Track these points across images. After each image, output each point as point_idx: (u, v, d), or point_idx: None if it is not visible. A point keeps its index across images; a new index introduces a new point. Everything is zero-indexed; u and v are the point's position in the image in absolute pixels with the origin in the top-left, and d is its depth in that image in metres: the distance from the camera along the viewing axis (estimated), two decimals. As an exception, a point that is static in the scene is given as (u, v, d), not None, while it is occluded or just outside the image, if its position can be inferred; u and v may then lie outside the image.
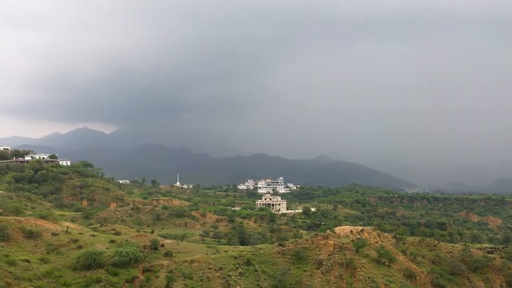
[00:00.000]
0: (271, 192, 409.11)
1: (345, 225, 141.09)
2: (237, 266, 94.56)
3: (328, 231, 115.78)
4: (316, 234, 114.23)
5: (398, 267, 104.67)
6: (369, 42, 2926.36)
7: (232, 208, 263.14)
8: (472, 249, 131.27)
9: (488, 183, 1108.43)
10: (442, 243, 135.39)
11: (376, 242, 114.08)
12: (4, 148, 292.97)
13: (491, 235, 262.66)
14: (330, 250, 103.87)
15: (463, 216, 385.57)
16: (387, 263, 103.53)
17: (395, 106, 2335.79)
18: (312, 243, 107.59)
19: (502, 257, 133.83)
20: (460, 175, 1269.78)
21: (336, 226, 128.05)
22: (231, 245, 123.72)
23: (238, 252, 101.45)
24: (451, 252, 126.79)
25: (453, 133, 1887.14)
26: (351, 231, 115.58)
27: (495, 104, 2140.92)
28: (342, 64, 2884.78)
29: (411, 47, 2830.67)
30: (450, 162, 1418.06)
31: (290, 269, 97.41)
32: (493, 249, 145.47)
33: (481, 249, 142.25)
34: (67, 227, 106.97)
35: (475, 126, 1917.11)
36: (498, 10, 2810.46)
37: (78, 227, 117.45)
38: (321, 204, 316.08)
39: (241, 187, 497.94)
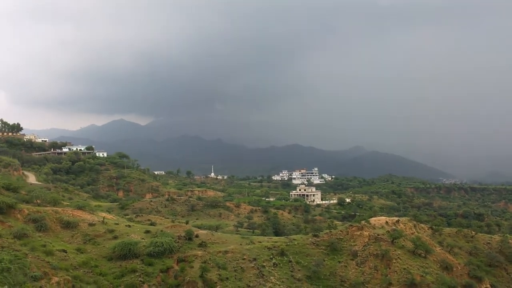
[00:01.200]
0: (306, 182, 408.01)
1: (381, 216, 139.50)
2: (271, 256, 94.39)
3: (363, 222, 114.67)
4: (351, 225, 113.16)
5: (435, 259, 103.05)
6: (403, 30, 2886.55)
7: (267, 199, 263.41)
8: (510, 240, 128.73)
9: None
10: (480, 234, 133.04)
11: (412, 233, 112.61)
12: (42, 140, 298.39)
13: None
14: (365, 241, 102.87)
15: (501, 207, 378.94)
16: (423, 255, 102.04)
17: (429, 95, 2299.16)
18: (347, 234, 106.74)
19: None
20: (499, 165, 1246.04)
21: (371, 217, 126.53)
22: (265, 235, 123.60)
23: (272, 243, 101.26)
24: (489, 243, 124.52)
25: (491, 120, 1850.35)
26: (387, 222, 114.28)
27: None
28: (376, 53, 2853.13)
29: (446, 35, 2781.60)
30: (489, 151, 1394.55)
31: (324, 260, 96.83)
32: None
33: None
34: (103, 217, 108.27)
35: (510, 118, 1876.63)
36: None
37: (114, 218, 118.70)
38: (356, 195, 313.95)
39: (276, 177, 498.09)
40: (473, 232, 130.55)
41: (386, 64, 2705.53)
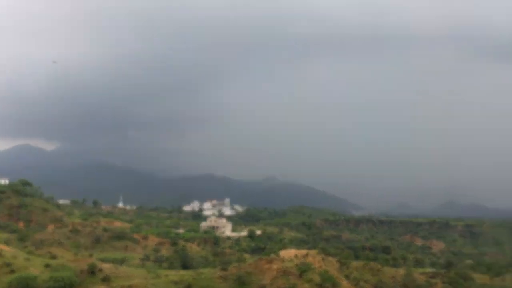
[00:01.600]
0: (217, 214, 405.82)
1: (290, 248, 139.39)
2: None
3: (272, 255, 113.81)
4: (260, 258, 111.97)
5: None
6: (322, 60, 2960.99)
7: (176, 231, 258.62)
8: (414, 274, 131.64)
9: (434, 206, 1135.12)
10: (386, 267, 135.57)
11: (320, 266, 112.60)
12: None
13: (434, 259, 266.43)
14: (274, 274, 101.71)
15: (407, 240, 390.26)
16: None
17: (345, 125, 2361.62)
18: (256, 268, 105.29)
19: (443, 282, 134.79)
20: (407, 197, 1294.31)
21: (281, 250, 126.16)
22: (172, 269, 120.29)
23: (179, 277, 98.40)
24: (394, 277, 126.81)
25: (402, 152, 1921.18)
26: (296, 255, 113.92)
27: (442, 126, 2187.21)
28: (294, 83, 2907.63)
29: (364, 65, 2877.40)
30: (397, 184, 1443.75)
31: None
32: (435, 274, 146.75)
33: (423, 273, 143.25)
34: (0, 249, 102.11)
35: (421, 149, 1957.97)
36: (457, 29, 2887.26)
37: (12, 250, 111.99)
38: (266, 227, 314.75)
39: (187, 208, 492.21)
40: (379, 266, 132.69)
41: (303, 93, 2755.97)
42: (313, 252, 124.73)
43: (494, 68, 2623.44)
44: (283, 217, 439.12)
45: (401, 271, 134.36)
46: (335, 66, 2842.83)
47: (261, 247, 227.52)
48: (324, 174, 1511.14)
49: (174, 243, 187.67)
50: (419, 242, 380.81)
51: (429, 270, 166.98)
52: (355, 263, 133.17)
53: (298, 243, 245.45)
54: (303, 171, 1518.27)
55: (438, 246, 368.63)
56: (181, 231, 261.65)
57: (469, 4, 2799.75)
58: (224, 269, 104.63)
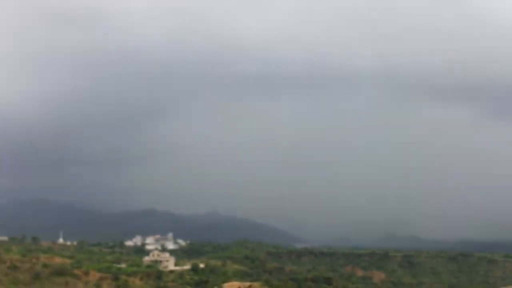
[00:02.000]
0: (160, 248, 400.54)
1: (234, 281, 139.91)
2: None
3: (216, 287, 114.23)
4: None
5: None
6: (265, 99, 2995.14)
7: (118, 266, 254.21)
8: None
9: (373, 238, 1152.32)
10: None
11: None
12: None
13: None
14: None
15: (348, 271, 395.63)
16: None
17: (279, 163, 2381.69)
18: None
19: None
20: (348, 231, 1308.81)
21: (224, 282, 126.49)
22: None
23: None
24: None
25: (341, 189, 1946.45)
26: (239, 287, 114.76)
27: (379, 164, 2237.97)
28: (236, 119, 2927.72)
29: (303, 104, 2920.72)
30: (338, 217, 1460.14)
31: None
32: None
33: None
34: None
35: (361, 183, 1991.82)
36: (392, 72, 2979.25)
37: None
38: (210, 260, 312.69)
39: (129, 243, 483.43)
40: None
41: (247, 129, 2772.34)
42: (256, 284, 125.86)
43: (428, 107, 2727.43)
44: (227, 250, 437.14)
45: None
46: (271, 106, 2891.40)
47: (204, 280, 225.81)
48: (265, 209, 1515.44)
49: (115, 278, 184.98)
50: (360, 273, 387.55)
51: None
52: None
53: (242, 276, 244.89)
54: (244, 205, 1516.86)
55: (378, 276, 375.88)
56: (123, 266, 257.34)
57: (400, 43, 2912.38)
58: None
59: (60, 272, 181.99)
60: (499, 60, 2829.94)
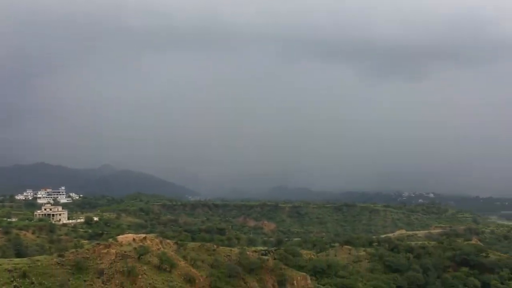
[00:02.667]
0: (52, 202, 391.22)
1: (128, 233, 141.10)
2: (12, 279, 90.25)
3: (110, 240, 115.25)
4: (98, 244, 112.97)
5: (179, 272, 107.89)
6: (159, 53, 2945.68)
7: (8, 220, 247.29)
8: (248, 252, 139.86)
9: (264, 191, 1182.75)
10: (221, 247, 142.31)
11: (159, 249, 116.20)
12: None
13: (266, 238, 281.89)
14: (112, 258, 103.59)
15: (241, 222, 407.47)
16: (168, 269, 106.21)
17: (179, 116, 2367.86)
18: (94, 253, 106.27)
19: (274, 259, 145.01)
20: (240, 183, 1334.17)
21: (119, 235, 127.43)
22: (5, 258, 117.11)
23: (13, 265, 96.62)
24: (229, 255, 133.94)
25: (232, 143, 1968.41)
26: (134, 239, 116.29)
27: (269, 118, 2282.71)
28: (130, 74, 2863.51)
29: (200, 60, 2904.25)
30: (232, 170, 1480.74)
31: (69, 280, 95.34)
32: (266, 252, 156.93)
33: (256, 251, 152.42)
34: None
35: (251, 138, 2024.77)
36: (281, 31, 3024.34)
37: None
38: (104, 214, 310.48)
39: (19, 197, 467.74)
40: (215, 246, 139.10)
41: (140, 85, 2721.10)
42: (151, 236, 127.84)
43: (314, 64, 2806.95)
44: (121, 203, 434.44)
45: (236, 250, 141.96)
46: (162, 60, 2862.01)
47: (98, 233, 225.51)
48: (158, 162, 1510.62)
49: (6, 232, 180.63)
50: (251, 223, 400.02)
51: (261, 248, 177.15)
52: (191, 245, 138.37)
53: (136, 228, 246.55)
54: (139, 159, 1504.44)
55: (269, 226, 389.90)
56: (14, 220, 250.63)
57: (293, 5, 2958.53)
58: (61, 256, 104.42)
59: None
60: (382, 21, 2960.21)
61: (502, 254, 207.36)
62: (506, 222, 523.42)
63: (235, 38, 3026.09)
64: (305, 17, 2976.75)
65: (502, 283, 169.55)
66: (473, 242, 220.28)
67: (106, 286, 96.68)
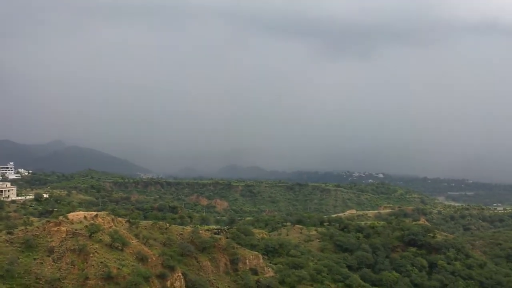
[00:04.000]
0: (0, 178, 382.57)
1: (79, 211, 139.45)
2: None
3: (60, 217, 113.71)
4: (48, 221, 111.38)
5: (131, 251, 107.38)
6: (108, 25, 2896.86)
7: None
8: (200, 231, 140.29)
9: (217, 169, 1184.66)
10: (174, 226, 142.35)
11: (110, 227, 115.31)
12: None
13: (218, 217, 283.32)
14: (63, 236, 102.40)
15: (193, 200, 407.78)
16: (120, 247, 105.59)
17: (130, 93, 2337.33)
18: (44, 230, 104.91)
19: (227, 237, 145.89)
20: (192, 161, 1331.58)
21: (69, 212, 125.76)
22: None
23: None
24: (182, 234, 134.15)
25: (184, 120, 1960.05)
26: (85, 216, 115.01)
27: (220, 97, 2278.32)
28: (84, 47, 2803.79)
29: (145, 35, 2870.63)
30: (184, 148, 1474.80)
31: (18, 258, 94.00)
32: (219, 230, 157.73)
33: (208, 230, 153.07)
34: None
35: (203, 115, 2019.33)
36: (236, 7, 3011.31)
37: None
38: (54, 190, 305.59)
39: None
40: (167, 224, 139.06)
41: (95, 58, 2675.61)
42: (102, 213, 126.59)
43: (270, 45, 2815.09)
44: (71, 180, 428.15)
45: (188, 228, 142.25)
46: (114, 33, 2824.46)
47: (48, 210, 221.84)
48: (110, 139, 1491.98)
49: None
50: (204, 201, 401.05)
51: (214, 227, 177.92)
52: (144, 223, 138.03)
53: (87, 206, 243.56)
54: (90, 135, 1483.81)
55: (221, 205, 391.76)
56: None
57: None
58: (10, 233, 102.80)
59: None
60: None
61: (449, 235, 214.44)
62: (452, 203, 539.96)
63: (181, 11, 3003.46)
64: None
65: (448, 263, 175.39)
66: (421, 222, 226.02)
67: (56, 264, 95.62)
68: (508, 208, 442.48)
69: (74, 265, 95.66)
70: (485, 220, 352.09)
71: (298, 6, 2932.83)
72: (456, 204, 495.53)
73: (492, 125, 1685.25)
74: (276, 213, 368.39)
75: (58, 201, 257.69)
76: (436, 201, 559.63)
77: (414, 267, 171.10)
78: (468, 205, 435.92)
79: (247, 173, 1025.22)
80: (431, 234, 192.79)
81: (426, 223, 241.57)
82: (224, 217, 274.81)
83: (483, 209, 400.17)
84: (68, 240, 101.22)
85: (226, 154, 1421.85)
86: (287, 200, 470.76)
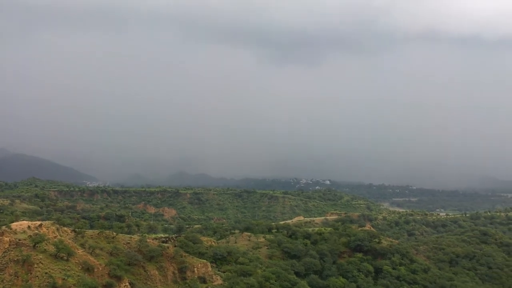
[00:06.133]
0: None
1: (23, 220, 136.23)
2: None
3: (3, 227, 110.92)
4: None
5: (77, 261, 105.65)
6: (58, 31, 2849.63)
7: None
8: (148, 240, 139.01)
9: (164, 177, 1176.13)
10: (121, 234, 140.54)
11: (55, 237, 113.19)
12: None
13: (166, 225, 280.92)
14: (6, 247, 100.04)
15: (141, 208, 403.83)
16: (65, 258, 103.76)
17: (76, 99, 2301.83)
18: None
19: (175, 246, 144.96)
20: (139, 169, 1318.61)
21: (12, 222, 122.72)
22: None
23: None
24: (129, 243, 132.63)
25: (131, 126, 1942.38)
26: (29, 226, 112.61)
27: (167, 104, 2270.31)
28: (26, 51, 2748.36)
29: (94, 40, 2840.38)
30: (130, 156, 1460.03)
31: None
32: (167, 239, 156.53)
33: (156, 239, 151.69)
34: None
35: (151, 122, 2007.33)
36: (185, 14, 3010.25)
37: None
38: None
39: None
40: (114, 233, 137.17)
41: (36, 61, 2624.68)
42: (47, 223, 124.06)
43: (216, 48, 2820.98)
44: (14, 189, 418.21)
45: (136, 237, 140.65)
46: (60, 39, 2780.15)
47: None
48: (54, 146, 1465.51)
49: None
50: (152, 210, 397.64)
51: (162, 235, 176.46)
52: (90, 232, 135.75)
53: (31, 215, 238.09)
54: (34, 142, 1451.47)
55: (169, 213, 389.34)
56: None
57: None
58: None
59: None
60: (284, 6, 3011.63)
61: (394, 240, 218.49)
62: (397, 209, 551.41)
63: (128, 17, 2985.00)
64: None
65: (393, 268, 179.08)
66: (366, 228, 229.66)
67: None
68: (450, 214, 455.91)
69: (17, 277, 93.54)
70: (428, 225, 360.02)
71: (247, 15, 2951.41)
72: (401, 210, 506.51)
73: (435, 133, 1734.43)
74: (224, 220, 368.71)
75: (1, 211, 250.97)
76: (381, 207, 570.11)
77: (361, 273, 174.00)
78: (412, 211, 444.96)
79: (195, 180, 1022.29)
80: (377, 240, 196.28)
81: (372, 229, 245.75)
82: (172, 225, 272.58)
83: (426, 214, 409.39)
84: (11, 250, 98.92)
85: (175, 162, 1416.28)
86: (235, 207, 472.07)
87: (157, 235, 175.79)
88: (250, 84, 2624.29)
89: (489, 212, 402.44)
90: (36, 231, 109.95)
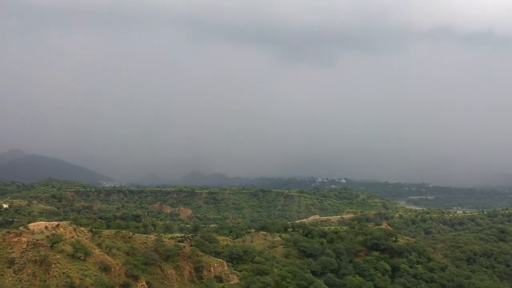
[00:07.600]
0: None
1: (40, 221, 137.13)
2: None
3: (21, 227, 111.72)
4: (8, 232, 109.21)
5: (94, 261, 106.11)
6: (64, 33, 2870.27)
7: None
8: (164, 239, 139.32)
9: (180, 176, 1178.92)
10: (137, 234, 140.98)
11: (72, 237, 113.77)
12: None
13: (182, 225, 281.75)
14: (23, 247, 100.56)
15: (157, 208, 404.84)
16: (82, 257, 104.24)
17: (91, 100, 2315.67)
18: (4, 241, 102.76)
19: (191, 245, 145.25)
20: (155, 169, 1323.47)
21: (30, 223, 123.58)
22: None
23: None
24: (145, 243, 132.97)
25: (146, 128, 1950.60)
26: (46, 226, 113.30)
27: (183, 104, 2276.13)
28: (39, 53, 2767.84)
29: (107, 40, 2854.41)
30: (146, 156, 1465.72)
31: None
32: (183, 238, 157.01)
33: (172, 238, 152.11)
34: None
35: (166, 122, 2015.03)
36: (196, 13, 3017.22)
37: None
38: (14, 200, 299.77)
39: None
40: (130, 233, 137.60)
41: (45, 62, 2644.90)
42: (64, 223, 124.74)
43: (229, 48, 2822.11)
44: (32, 190, 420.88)
45: (152, 237, 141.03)
46: (71, 40, 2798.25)
47: (8, 220, 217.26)
48: (73, 147, 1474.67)
49: None
50: (168, 209, 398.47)
51: (178, 234, 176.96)
52: (107, 232, 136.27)
53: (48, 215, 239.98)
54: (50, 143, 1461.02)
55: (185, 212, 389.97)
56: None
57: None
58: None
59: None
60: (294, 4, 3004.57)
61: (410, 238, 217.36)
62: (413, 207, 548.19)
63: (145, 19, 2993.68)
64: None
65: (410, 267, 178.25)
66: (383, 227, 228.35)
67: (17, 276, 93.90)
68: (467, 211, 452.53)
69: (35, 276, 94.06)
70: (445, 223, 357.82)
71: (259, 14, 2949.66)
72: (417, 208, 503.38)
73: (451, 131, 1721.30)
74: (240, 219, 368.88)
75: (18, 211, 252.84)
76: (397, 205, 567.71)
77: (377, 271, 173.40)
78: (428, 209, 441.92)
79: (210, 180, 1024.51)
80: (393, 238, 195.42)
81: (388, 227, 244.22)
82: (188, 225, 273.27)
83: (443, 212, 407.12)
84: (29, 251, 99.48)
85: (189, 161, 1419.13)
86: (251, 206, 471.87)
87: (173, 234, 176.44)
88: (263, 83, 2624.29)
89: (507, 209, 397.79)
90: (54, 232, 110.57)
